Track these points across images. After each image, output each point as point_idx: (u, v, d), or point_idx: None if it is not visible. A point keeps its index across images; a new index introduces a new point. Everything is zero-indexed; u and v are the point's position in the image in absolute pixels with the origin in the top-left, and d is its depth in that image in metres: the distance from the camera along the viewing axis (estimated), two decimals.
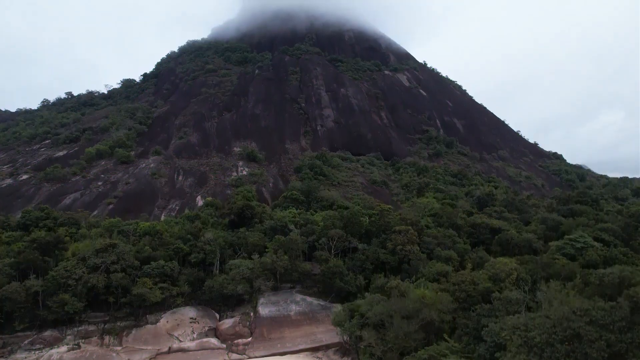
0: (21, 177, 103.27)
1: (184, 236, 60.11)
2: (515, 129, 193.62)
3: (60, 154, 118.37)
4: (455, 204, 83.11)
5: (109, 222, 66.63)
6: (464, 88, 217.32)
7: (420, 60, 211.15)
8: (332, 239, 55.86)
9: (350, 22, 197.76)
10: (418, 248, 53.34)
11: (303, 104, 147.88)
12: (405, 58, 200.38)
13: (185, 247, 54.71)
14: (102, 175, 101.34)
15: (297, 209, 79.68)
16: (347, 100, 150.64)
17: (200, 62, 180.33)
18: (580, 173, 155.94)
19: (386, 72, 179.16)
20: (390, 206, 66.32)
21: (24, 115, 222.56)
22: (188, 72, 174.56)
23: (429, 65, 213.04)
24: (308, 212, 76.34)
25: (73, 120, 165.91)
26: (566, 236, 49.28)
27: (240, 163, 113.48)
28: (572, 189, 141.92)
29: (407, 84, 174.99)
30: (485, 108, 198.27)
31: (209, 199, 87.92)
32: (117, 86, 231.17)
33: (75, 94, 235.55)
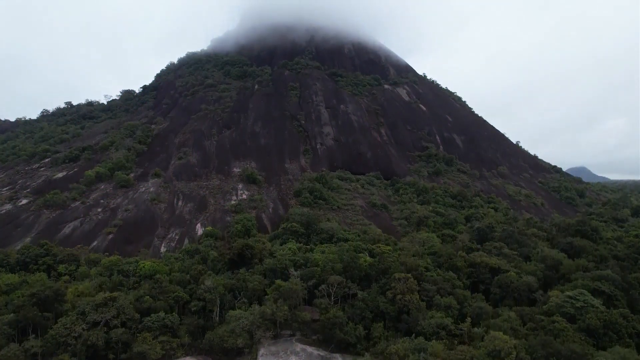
0: (20, 201, 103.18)
1: (184, 280, 60.15)
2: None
3: (60, 175, 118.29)
4: (456, 236, 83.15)
5: (109, 260, 66.60)
6: (463, 100, 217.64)
7: (420, 71, 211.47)
8: (331, 285, 55.87)
9: (350, 35, 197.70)
10: (417, 297, 53.34)
11: (303, 121, 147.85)
12: (404, 70, 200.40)
13: (185, 294, 54.70)
14: (102, 201, 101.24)
15: (296, 241, 79.77)
16: (347, 117, 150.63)
17: (199, 76, 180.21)
18: (580, 189, 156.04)
19: (386, 86, 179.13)
20: (389, 247, 66.27)
21: (24, 126, 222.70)
22: (188, 87, 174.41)
23: (428, 77, 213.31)
24: (308, 246, 76.35)
25: (73, 135, 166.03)
26: (566, 293, 49.21)
27: (240, 186, 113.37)
28: (572, 207, 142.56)
29: (406, 98, 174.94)
30: (484, 121, 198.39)
31: (209, 228, 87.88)
32: (117, 97, 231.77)
33: (76, 102, 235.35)
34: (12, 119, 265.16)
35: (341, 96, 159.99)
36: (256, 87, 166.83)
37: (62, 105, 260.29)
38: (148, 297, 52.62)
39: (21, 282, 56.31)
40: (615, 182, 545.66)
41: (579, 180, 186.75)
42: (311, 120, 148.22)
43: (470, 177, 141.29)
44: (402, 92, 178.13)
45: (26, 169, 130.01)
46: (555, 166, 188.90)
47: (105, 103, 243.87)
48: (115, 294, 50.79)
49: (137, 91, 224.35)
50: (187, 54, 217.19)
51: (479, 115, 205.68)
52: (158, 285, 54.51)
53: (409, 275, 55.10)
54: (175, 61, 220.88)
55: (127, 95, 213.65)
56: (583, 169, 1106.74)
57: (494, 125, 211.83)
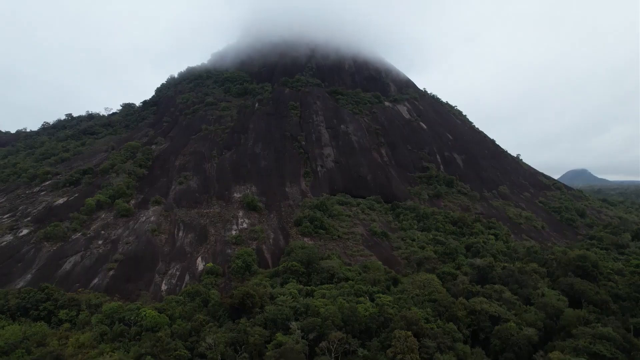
0: (21, 231, 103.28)
1: (186, 332, 60.37)
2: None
3: (61, 201, 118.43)
4: (456, 275, 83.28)
5: (110, 307, 66.62)
6: (464, 114, 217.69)
7: (424, 82, 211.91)
8: (332, 342, 55.97)
9: (350, 49, 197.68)
10: (417, 356, 53.42)
11: (303, 142, 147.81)
12: (405, 86, 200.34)
13: (186, 353, 54.81)
14: (103, 232, 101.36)
15: (297, 281, 79.91)
16: (348, 137, 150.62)
17: (200, 93, 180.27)
18: (580, 209, 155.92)
19: (386, 103, 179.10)
20: (390, 298, 66.26)
21: (24, 140, 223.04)
22: (188, 104, 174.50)
23: (429, 91, 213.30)
24: (309, 287, 76.47)
25: (73, 153, 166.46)
26: (567, 358, 49.29)
27: (241, 213, 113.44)
28: (572, 228, 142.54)
29: (407, 116, 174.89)
30: (485, 136, 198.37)
31: (210, 264, 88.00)
32: (117, 110, 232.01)
33: (76, 112, 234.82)
34: (13, 128, 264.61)
35: (342, 116, 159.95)
36: (257, 105, 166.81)
37: (63, 117, 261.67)
38: (149, 357, 52.68)
39: (22, 339, 56.29)
40: (615, 188, 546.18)
41: (579, 196, 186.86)
42: (312, 141, 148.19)
43: (471, 199, 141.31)
44: (403, 109, 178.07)
45: (27, 193, 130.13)
46: (555, 182, 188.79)
47: (106, 115, 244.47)
48: (116, 356, 50.81)
49: (137, 104, 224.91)
50: (187, 69, 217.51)
51: (480, 130, 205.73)
52: (160, 344, 54.57)
53: (409, 333, 55.16)
54: (176, 75, 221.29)
55: (128, 109, 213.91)
56: (584, 171, 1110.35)
57: (494, 140, 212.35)
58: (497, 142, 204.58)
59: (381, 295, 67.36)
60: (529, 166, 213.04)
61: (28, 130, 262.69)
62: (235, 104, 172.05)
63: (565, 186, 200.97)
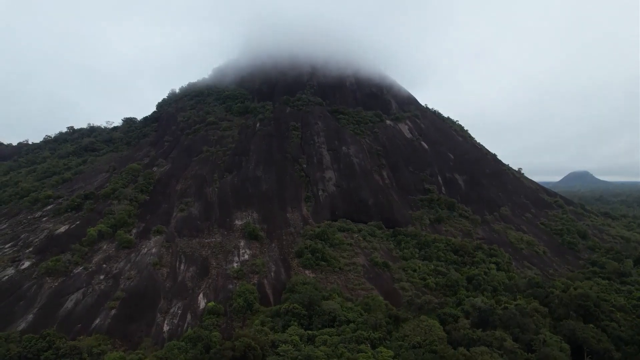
0: (23, 263, 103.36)
1: None
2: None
3: (62, 229, 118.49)
4: (457, 316, 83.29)
5: (112, 358, 66.76)
6: (465, 128, 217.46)
7: (425, 99, 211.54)
8: None
9: (351, 67, 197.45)
10: None
11: (304, 165, 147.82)
12: (407, 102, 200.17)
13: None
14: (104, 265, 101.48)
15: (298, 323, 79.95)
16: (349, 159, 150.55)
17: (201, 112, 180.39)
18: (582, 230, 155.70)
19: (388, 121, 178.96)
20: (391, 353, 66.26)
21: (26, 155, 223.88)
22: (189, 123, 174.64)
23: (431, 106, 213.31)
24: (310, 331, 76.53)
25: (75, 172, 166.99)
26: None
27: (242, 243, 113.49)
28: (574, 253, 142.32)
29: (408, 135, 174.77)
30: (486, 153, 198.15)
31: (211, 304, 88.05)
32: (119, 124, 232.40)
33: (77, 124, 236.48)
34: (15, 139, 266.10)
35: (343, 137, 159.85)
36: (258, 125, 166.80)
37: (64, 130, 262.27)
38: None
39: None
40: (617, 192, 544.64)
41: (580, 213, 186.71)
42: (313, 163, 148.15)
43: (472, 223, 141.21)
44: (404, 128, 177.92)
45: (29, 218, 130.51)
46: (557, 200, 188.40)
47: (108, 127, 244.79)
48: None
49: (138, 118, 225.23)
50: (188, 84, 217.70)
51: (481, 146, 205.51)
52: None
53: None
54: (177, 89, 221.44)
55: (129, 124, 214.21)
56: (586, 174, 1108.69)
57: (496, 154, 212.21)
58: (501, 152, 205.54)
59: (383, 349, 67.26)
60: (531, 181, 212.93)
61: (30, 142, 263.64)
62: (236, 123, 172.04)
63: (567, 201, 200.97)
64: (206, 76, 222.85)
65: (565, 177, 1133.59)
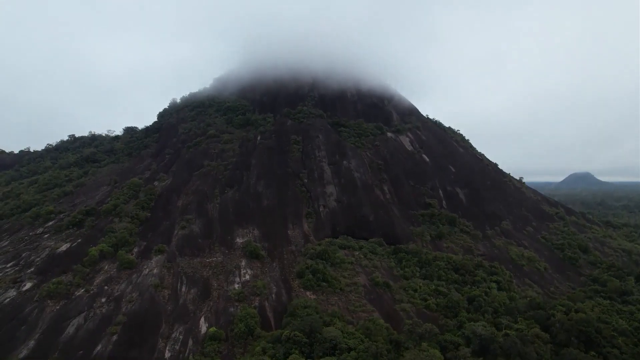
0: (25, 285, 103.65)
1: None
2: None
3: (64, 247, 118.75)
4: (458, 343, 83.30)
5: None
6: (467, 138, 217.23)
7: (427, 108, 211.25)
8: None
9: (353, 78, 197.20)
10: None
11: (305, 180, 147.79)
12: (408, 113, 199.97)
13: None
14: (106, 287, 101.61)
15: (299, 351, 80.00)
16: (350, 174, 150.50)
17: (202, 124, 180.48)
18: (583, 244, 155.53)
19: (389, 134, 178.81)
20: None
21: (27, 165, 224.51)
22: (190, 136, 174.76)
23: (432, 117, 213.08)
24: (311, 359, 76.65)
25: (76, 185, 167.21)
26: None
27: (243, 263, 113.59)
28: (575, 268, 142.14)
29: (409, 147, 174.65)
30: (488, 164, 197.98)
31: (212, 329, 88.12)
32: (120, 133, 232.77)
33: (79, 133, 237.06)
34: (16, 147, 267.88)
35: (344, 150, 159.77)
36: (259, 138, 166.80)
37: (66, 138, 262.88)
38: None
39: None
40: (618, 195, 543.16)
41: (582, 224, 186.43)
42: (314, 178, 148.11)
43: (473, 238, 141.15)
44: (405, 140, 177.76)
45: (30, 235, 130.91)
46: (558, 211, 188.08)
47: (109, 135, 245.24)
48: None
49: (139, 127, 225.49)
50: (189, 94, 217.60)
51: (482, 156, 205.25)
52: None
53: None
54: (178, 99, 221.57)
55: (130, 135, 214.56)
56: (587, 175, 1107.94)
57: (497, 164, 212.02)
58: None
59: None
60: (532, 191, 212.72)
61: (32, 150, 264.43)
62: (237, 135, 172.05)
63: (568, 211, 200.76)
64: (207, 86, 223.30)
65: (566, 178, 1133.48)
